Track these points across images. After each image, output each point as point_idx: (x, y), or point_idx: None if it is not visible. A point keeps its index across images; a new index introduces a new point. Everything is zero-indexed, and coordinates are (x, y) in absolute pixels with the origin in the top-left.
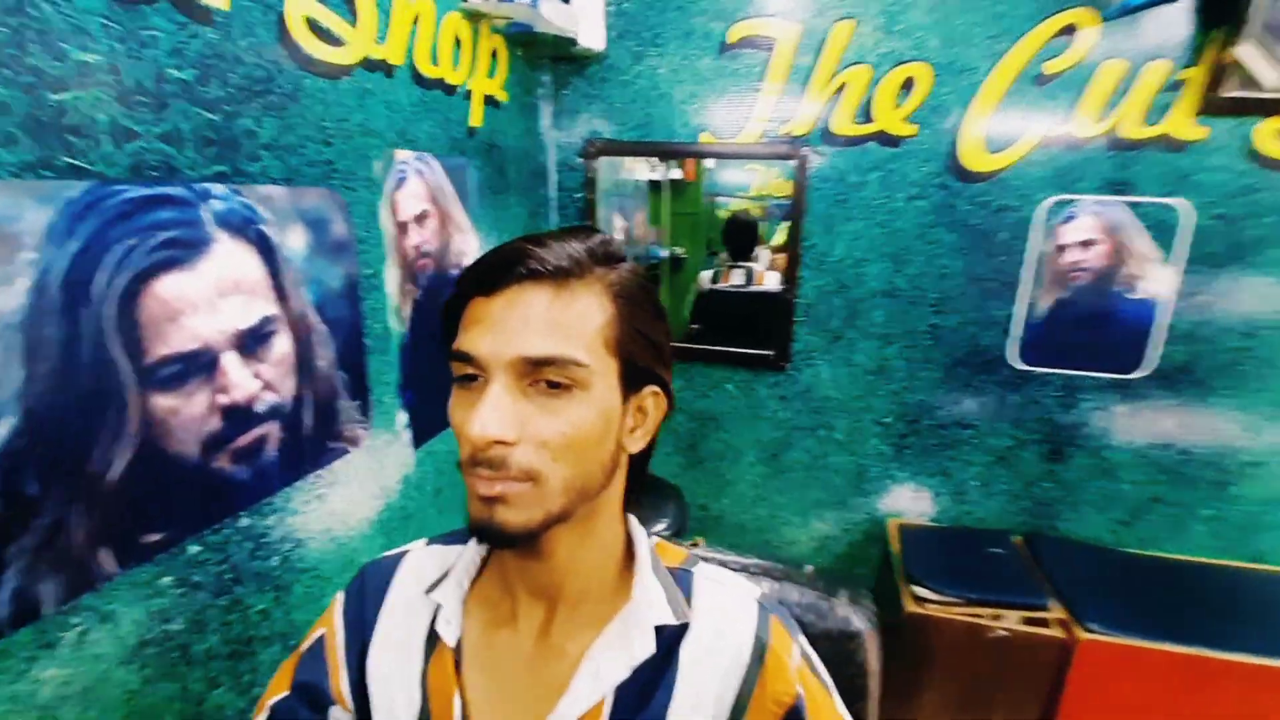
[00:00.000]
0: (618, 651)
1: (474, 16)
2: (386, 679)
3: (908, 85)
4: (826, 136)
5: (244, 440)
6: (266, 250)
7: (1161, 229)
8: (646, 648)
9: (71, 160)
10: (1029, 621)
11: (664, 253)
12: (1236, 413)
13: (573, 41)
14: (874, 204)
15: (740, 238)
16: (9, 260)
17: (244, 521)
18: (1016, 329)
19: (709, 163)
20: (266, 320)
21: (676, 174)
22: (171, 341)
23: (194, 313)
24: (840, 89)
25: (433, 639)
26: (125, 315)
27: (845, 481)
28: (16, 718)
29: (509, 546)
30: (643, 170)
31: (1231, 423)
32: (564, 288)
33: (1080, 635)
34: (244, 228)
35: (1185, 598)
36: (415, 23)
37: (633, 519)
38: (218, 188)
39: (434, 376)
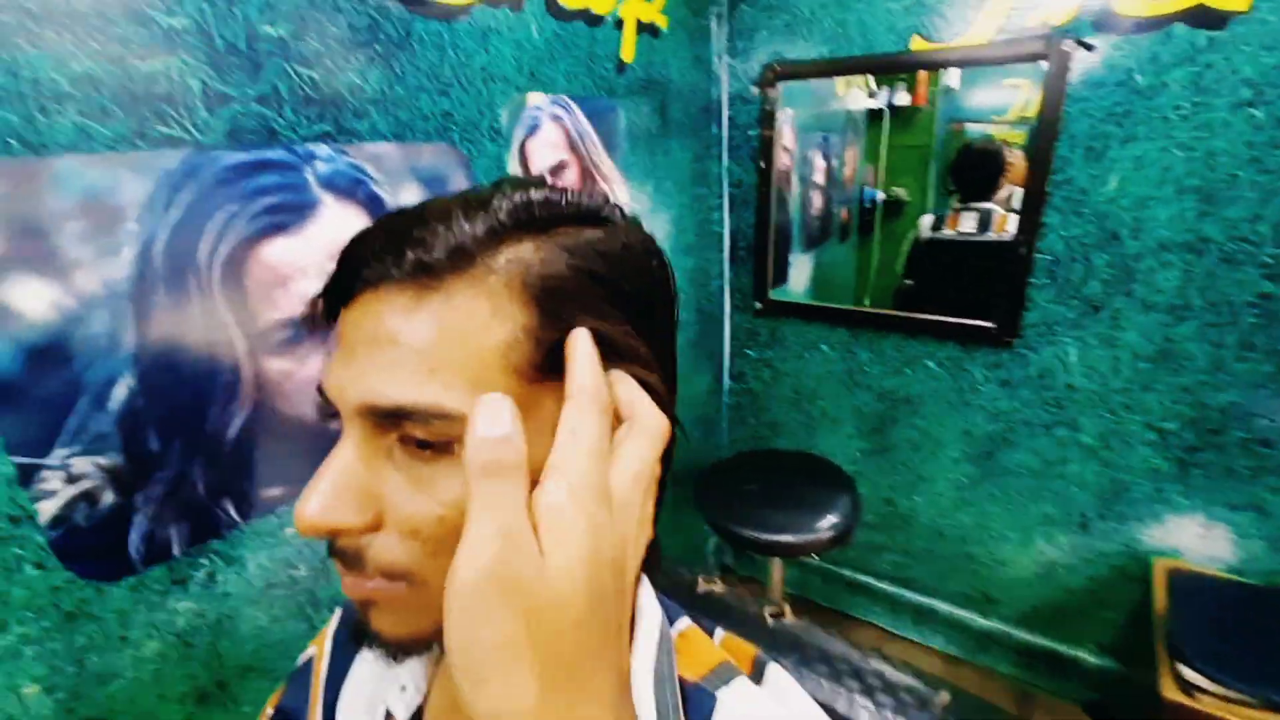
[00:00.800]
0: None
1: None
2: None
3: None
4: (1105, 21)
5: None
6: (378, 212)
7: None
8: None
9: (166, 130)
10: None
11: (880, 195)
12: None
13: None
14: (1174, 116)
15: (975, 171)
16: (112, 232)
17: None
18: None
19: (950, 82)
20: None
21: (903, 99)
22: (281, 306)
23: (303, 277)
24: None
25: None
26: (233, 282)
27: (1092, 499)
28: (157, 640)
29: (405, 658)
30: (857, 98)
31: None
32: (430, 291)
33: None
34: (352, 189)
35: None
36: None
37: (644, 594)
38: (321, 149)
39: None
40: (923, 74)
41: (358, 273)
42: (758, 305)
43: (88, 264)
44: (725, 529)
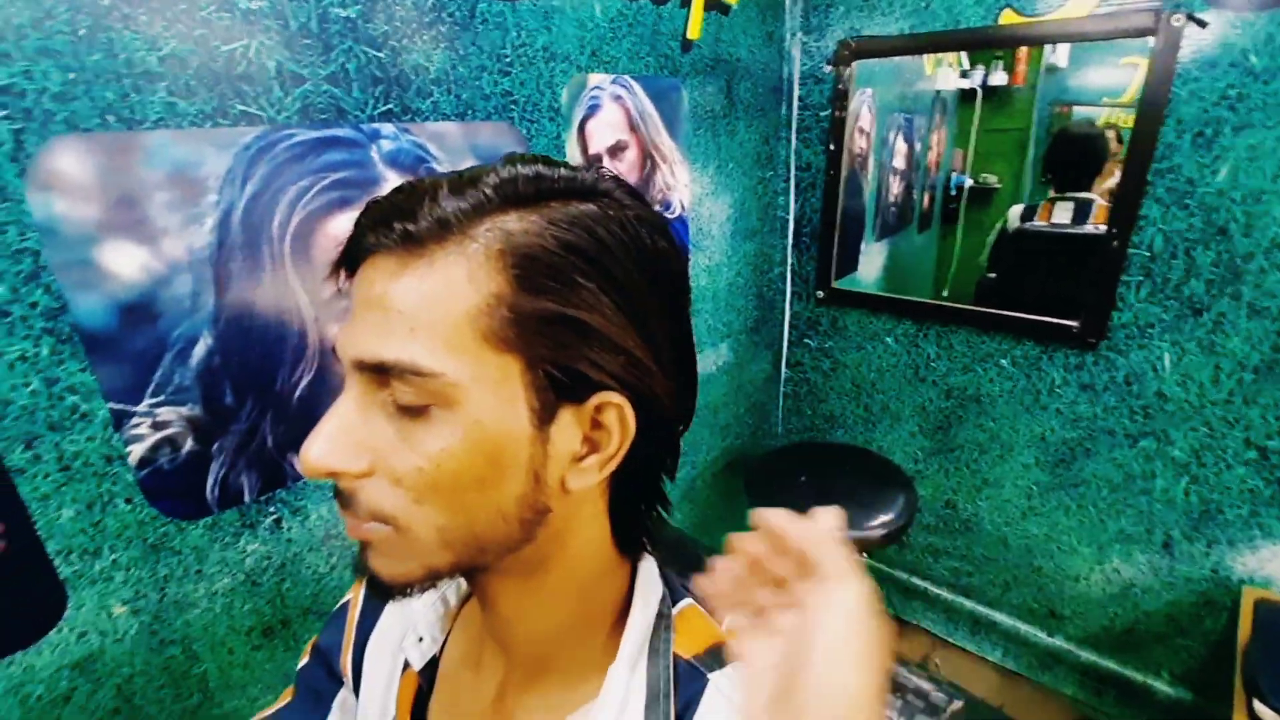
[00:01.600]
0: None
1: None
2: (373, 678)
3: None
4: None
5: None
6: None
7: None
8: None
9: (244, 107)
10: None
11: (968, 181)
12: None
13: None
14: None
15: (1072, 158)
16: (195, 202)
17: None
18: None
19: (1056, 60)
20: None
21: (999, 78)
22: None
23: None
24: None
25: None
26: (302, 252)
27: (1179, 519)
28: (228, 577)
29: (401, 596)
30: (948, 77)
31: None
32: (415, 258)
33: None
34: (414, 167)
35: None
36: None
37: (646, 571)
38: (386, 127)
39: None
40: (1023, 52)
41: (361, 242)
42: (820, 294)
43: (174, 232)
44: None
